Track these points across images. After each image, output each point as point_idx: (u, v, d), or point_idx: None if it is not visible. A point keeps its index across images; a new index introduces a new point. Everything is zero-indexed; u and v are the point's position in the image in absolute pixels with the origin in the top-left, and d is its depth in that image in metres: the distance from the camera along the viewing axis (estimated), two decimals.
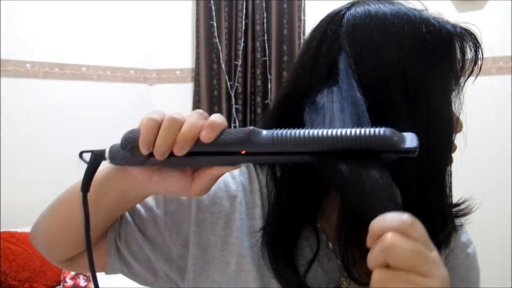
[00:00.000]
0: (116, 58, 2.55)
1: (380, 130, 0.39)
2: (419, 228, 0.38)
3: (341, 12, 0.54)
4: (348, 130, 0.40)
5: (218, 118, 0.43)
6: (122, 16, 2.57)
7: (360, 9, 0.53)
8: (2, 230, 1.88)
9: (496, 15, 2.14)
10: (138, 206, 0.60)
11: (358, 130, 0.40)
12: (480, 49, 0.54)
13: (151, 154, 0.44)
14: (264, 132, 0.43)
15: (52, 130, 2.30)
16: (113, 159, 0.48)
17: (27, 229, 1.87)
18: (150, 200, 0.60)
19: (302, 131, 0.41)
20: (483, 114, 1.97)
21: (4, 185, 2.11)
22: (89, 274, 1.89)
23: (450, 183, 0.55)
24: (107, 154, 0.48)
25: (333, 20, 0.54)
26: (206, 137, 0.42)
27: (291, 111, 0.53)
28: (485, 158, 2.10)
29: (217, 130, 0.43)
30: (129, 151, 0.46)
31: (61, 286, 1.84)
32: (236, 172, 0.61)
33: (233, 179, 0.60)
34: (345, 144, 0.40)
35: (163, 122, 0.43)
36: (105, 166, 0.52)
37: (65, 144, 2.33)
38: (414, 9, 0.54)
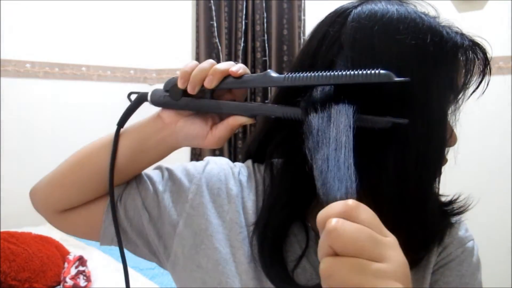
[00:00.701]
0: (116, 58, 2.55)
1: (377, 70, 0.46)
2: (366, 212, 0.36)
3: (347, 11, 0.53)
4: (349, 71, 0.47)
5: (242, 64, 0.54)
6: (122, 16, 2.57)
7: (366, 9, 0.52)
8: (2, 230, 1.88)
9: (496, 15, 2.14)
10: (144, 177, 0.63)
11: (358, 71, 0.46)
12: (488, 66, 0.53)
13: (184, 95, 0.55)
14: (277, 74, 0.52)
15: (52, 130, 2.31)
16: (152, 99, 0.58)
17: (27, 229, 1.87)
18: (155, 176, 0.62)
19: (307, 73, 0.49)
20: (483, 114, 1.97)
21: (4, 185, 2.11)
22: (88, 272, 1.89)
23: (438, 191, 0.55)
24: (149, 97, 0.59)
25: (337, 20, 0.53)
26: (234, 71, 0.52)
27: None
28: (485, 158, 2.10)
29: (243, 69, 0.53)
30: (169, 90, 0.56)
31: (61, 286, 1.84)
32: (236, 169, 0.63)
33: (233, 176, 0.62)
34: (345, 78, 0.46)
35: (199, 64, 0.53)
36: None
37: (65, 144, 2.33)
38: (425, 15, 0.52)
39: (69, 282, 1.84)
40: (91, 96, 2.46)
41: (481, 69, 0.53)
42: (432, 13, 0.53)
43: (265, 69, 2.50)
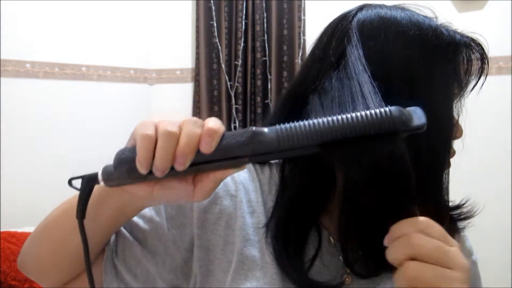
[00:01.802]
0: (116, 58, 2.55)
1: (387, 110, 0.38)
2: (437, 227, 0.44)
3: (353, 12, 0.57)
4: (356, 115, 0.39)
5: (215, 124, 0.41)
6: (122, 16, 2.57)
7: (371, 10, 0.56)
8: (2, 230, 1.88)
9: (496, 15, 2.14)
10: (135, 218, 0.58)
11: (365, 114, 0.38)
12: (486, 61, 0.56)
13: (149, 172, 0.42)
14: (266, 130, 0.41)
15: (52, 130, 2.30)
16: (108, 181, 0.44)
17: (27, 229, 1.87)
18: (147, 211, 0.58)
19: (306, 122, 0.40)
20: (483, 114, 1.97)
21: (4, 185, 2.11)
22: None
23: (447, 186, 0.56)
24: (100, 177, 0.45)
25: (344, 18, 0.56)
26: (206, 147, 0.40)
27: (300, 100, 0.55)
28: (485, 158, 2.10)
29: (216, 138, 0.41)
30: (126, 173, 0.42)
31: None
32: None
33: (232, 179, 0.60)
34: (354, 130, 0.39)
35: (158, 139, 0.40)
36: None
37: (65, 144, 2.33)
38: (425, 16, 0.55)
39: None
40: (91, 96, 2.45)
41: (480, 65, 0.56)
42: (430, 15, 0.57)
43: (265, 69, 2.52)
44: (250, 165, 0.63)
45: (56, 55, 2.33)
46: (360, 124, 0.39)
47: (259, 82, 2.51)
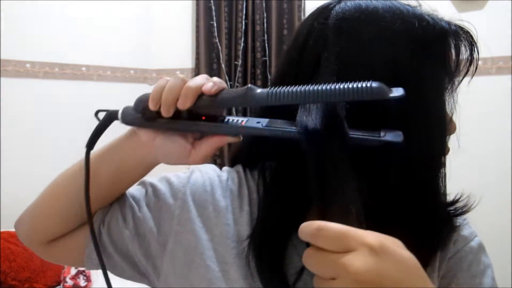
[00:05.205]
0: (116, 58, 2.55)
1: (368, 83, 0.41)
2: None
3: (330, 6, 0.52)
4: (339, 84, 0.42)
5: (218, 79, 0.49)
6: (122, 16, 2.57)
7: (350, 3, 0.51)
8: (2, 230, 1.88)
9: (496, 15, 2.14)
10: (127, 196, 0.59)
11: (348, 84, 0.42)
12: (475, 48, 0.52)
13: (159, 116, 0.50)
14: (259, 89, 0.46)
15: (52, 130, 2.31)
16: (124, 119, 0.53)
17: None
18: (138, 194, 0.60)
19: (294, 87, 0.44)
20: (483, 114, 1.97)
21: (4, 184, 2.11)
22: (88, 272, 1.89)
23: (444, 186, 0.53)
24: (119, 114, 0.53)
25: (321, 14, 0.52)
26: (208, 88, 0.47)
27: (278, 107, 0.52)
28: (484, 158, 2.10)
29: (218, 85, 0.48)
30: (140, 111, 0.51)
31: (61, 286, 1.84)
32: (224, 177, 0.59)
33: (220, 184, 0.58)
34: (336, 96, 0.42)
35: (167, 85, 0.48)
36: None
37: (65, 144, 2.32)
38: (408, 5, 0.52)
39: (69, 282, 1.84)
40: (91, 96, 2.45)
41: (469, 53, 0.52)
42: (413, 4, 0.53)
43: (265, 69, 2.52)
44: (240, 171, 0.60)
45: (56, 55, 2.33)
46: (342, 91, 0.42)
47: (259, 82, 2.51)
